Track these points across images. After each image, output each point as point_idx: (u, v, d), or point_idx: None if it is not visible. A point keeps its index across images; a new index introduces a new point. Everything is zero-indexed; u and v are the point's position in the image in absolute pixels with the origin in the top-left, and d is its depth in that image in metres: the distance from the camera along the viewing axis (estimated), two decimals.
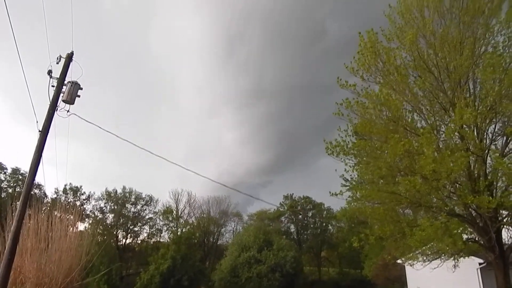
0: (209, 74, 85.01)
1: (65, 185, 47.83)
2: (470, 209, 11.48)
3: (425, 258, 14.19)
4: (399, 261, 19.08)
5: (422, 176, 10.56)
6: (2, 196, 41.33)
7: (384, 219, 13.34)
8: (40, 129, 10.00)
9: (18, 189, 42.10)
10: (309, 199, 56.71)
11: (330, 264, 57.85)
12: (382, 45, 12.64)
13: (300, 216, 57.24)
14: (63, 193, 47.59)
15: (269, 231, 43.17)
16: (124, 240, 51.16)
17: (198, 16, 78.89)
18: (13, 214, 10.75)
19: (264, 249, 38.13)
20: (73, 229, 15.72)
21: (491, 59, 10.31)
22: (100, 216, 49.15)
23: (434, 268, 14.62)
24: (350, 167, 13.17)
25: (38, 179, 43.99)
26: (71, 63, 10.94)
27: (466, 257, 14.09)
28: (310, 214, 57.10)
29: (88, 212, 48.29)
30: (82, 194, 49.50)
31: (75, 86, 10.83)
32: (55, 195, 46.23)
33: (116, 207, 50.26)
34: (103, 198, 50.40)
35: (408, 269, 25.14)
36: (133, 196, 51.71)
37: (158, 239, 52.10)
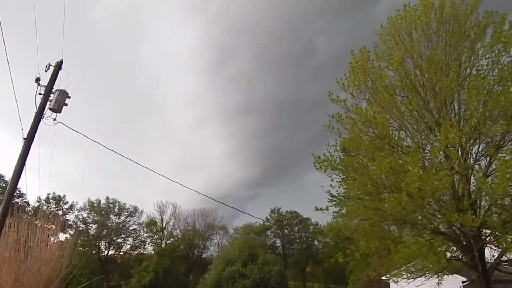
0: (199, 86, 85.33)
1: (48, 194, 46.87)
2: (454, 227, 11.63)
3: (409, 275, 14.24)
4: (384, 277, 19.09)
5: (407, 193, 10.68)
6: None
7: (370, 235, 13.41)
8: (25, 137, 9.84)
9: None
10: (296, 214, 56.63)
11: (315, 280, 57.55)
12: (372, 64, 12.93)
13: (286, 231, 57.02)
14: (46, 202, 46.57)
15: (255, 245, 42.85)
16: (106, 252, 50.10)
17: (190, 29, 79.50)
18: None
19: (249, 263, 37.76)
20: (54, 240, 15.33)
21: (475, 81, 10.61)
22: (82, 227, 48.13)
23: (419, 285, 14.68)
24: (337, 182, 13.30)
25: (21, 187, 43.03)
26: (60, 72, 10.86)
27: (450, 275, 14.20)
28: (296, 229, 56.95)
29: (70, 222, 47.26)
30: (65, 204, 48.52)
31: (63, 95, 10.73)
32: (37, 204, 45.21)
33: (99, 218, 49.33)
34: (86, 209, 49.48)
35: (392, 286, 25.15)
36: (116, 207, 50.88)
37: (142, 251, 51.20)
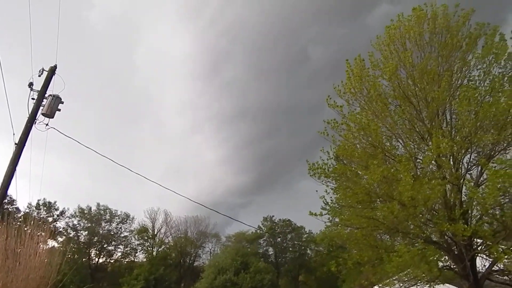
0: (193, 91, 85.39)
1: (38, 200, 46.28)
2: (446, 237, 11.67)
3: (401, 284, 14.22)
4: (376, 286, 19.04)
5: (400, 202, 10.73)
6: None
7: (362, 244, 13.42)
8: (17, 142, 9.74)
9: None
10: (289, 222, 56.45)
11: None
12: (367, 72, 13.06)
13: (279, 239, 56.79)
14: (36, 208, 45.96)
15: (247, 254, 42.60)
16: (96, 259, 49.45)
17: (185, 33, 79.79)
18: None
19: (241, 271, 37.50)
20: (43, 247, 15.11)
21: (466, 92, 10.74)
22: (72, 234, 47.50)
23: None
24: (332, 189, 13.34)
25: (11, 193, 42.43)
26: (53, 77, 10.81)
27: (442, 284, 14.20)
28: (289, 237, 56.75)
29: (60, 229, 46.64)
30: (56, 210, 47.92)
31: (56, 100, 10.66)
32: (27, 210, 44.59)
33: (90, 225, 48.74)
34: (77, 215, 48.88)
35: None
36: (108, 214, 50.34)
37: (133, 259, 50.62)
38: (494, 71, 11.29)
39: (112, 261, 51.30)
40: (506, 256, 10.03)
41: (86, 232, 48.66)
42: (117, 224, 51.07)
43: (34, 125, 10.22)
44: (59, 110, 10.74)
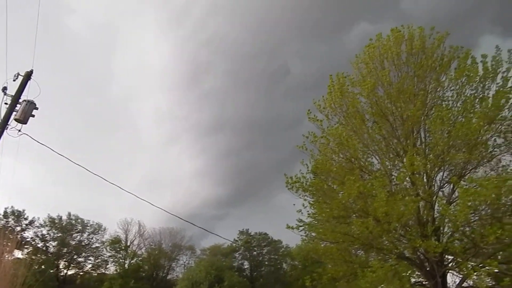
0: (172, 101, 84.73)
1: (6, 208, 44.31)
2: (418, 253, 11.85)
3: None
4: None
5: (374, 218, 10.86)
6: None
7: (337, 259, 13.50)
8: None
9: None
10: (266, 236, 56.04)
11: None
12: (347, 88, 13.31)
13: (255, 253, 56.30)
14: (4, 217, 44.00)
15: (222, 267, 41.96)
16: (65, 271, 47.56)
17: (165, 43, 79.54)
18: None
19: (215, 285, 36.84)
20: (9, 257, 14.46)
21: (440, 111, 11.11)
22: (41, 244, 45.62)
23: None
24: (309, 203, 13.38)
25: None
26: (29, 82, 10.49)
27: None
28: (265, 251, 56.32)
29: (28, 239, 44.73)
30: (25, 219, 46.00)
31: (30, 106, 10.32)
32: None
33: (60, 235, 46.98)
34: (46, 225, 47.04)
35: None
36: (79, 224, 48.71)
37: (103, 271, 48.94)
38: (466, 92, 11.72)
39: (81, 273, 49.46)
40: (475, 273, 10.27)
41: (55, 243, 46.85)
42: (89, 235, 49.43)
43: (6, 130, 9.86)
44: (33, 116, 10.39)
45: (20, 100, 10.28)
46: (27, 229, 45.60)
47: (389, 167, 12.72)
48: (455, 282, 12.70)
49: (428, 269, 11.78)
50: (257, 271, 55.82)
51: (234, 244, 53.05)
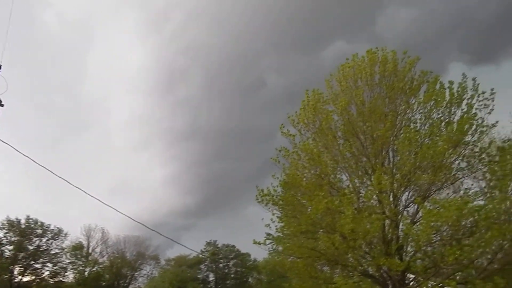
0: (146, 105, 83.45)
1: None
2: (381, 271, 12.01)
3: None
4: None
5: (341, 234, 10.96)
6: None
7: (303, 274, 13.48)
8: None
9: None
10: (233, 248, 55.48)
11: None
12: (322, 105, 13.52)
13: (221, 265, 55.54)
14: None
15: (186, 279, 41.14)
16: (20, 277, 45.07)
17: (143, 46, 78.73)
18: None
19: None
20: None
21: (408, 133, 11.48)
22: None
23: None
24: (277, 217, 13.37)
25: None
26: None
27: None
28: (232, 264, 55.68)
29: None
30: None
31: None
32: None
33: (17, 239, 44.60)
34: (4, 227, 44.60)
35: None
36: (38, 228, 46.44)
37: (61, 279, 46.74)
38: (434, 116, 12.16)
39: (38, 280, 47.01)
40: None
41: (12, 247, 44.41)
42: (48, 240, 47.18)
43: None
44: None
45: None
46: None
47: (357, 184, 12.94)
48: None
49: (390, 287, 11.95)
50: (222, 284, 55.00)
51: (200, 255, 52.15)
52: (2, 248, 44.10)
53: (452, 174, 12.01)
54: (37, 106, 77.05)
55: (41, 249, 46.38)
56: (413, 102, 12.76)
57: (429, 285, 10.67)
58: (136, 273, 52.50)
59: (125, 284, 50.65)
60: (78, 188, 12.14)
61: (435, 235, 10.87)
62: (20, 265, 44.85)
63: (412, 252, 11.93)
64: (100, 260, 48.56)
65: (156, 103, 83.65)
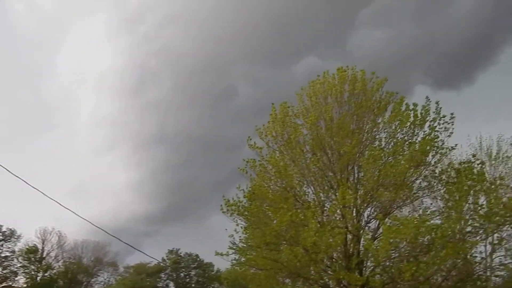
0: (113, 107, 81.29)
1: None
2: (341, 285, 12.19)
3: None
4: None
5: (303, 247, 11.06)
6: None
7: (265, 286, 13.45)
8: None
9: None
10: (196, 257, 54.63)
11: None
12: (290, 118, 13.69)
13: (183, 274, 54.49)
14: None
15: (145, 287, 39.92)
16: None
17: (114, 46, 77.09)
18: None
19: None
20: None
21: (373, 151, 11.84)
22: None
23: None
24: (242, 228, 13.33)
25: None
26: None
27: None
28: (193, 273, 54.75)
29: None
30: None
31: None
32: None
33: None
34: None
35: None
36: None
37: (11, 284, 44.17)
38: (398, 136, 12.61)
39: None
40: None
41: None
42: None
43: None
44: None
45: None
46: None
47: (322, 198, 13.15)
48: None
49: None
50: None
51: (161, 264, 50.94)
52: None
53: (413, 193, 12.48)
54: None
55: None
56: (379, 121, 13.19)
57: None
58: (93, 279, 50.59)
59: None
60: (35, 188, 11.64)
61: (393, 251, 11.20)
62: None
63: (372, 267, 12.20)
64: (55, 265, 46.39)
65: (125, 105, 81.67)
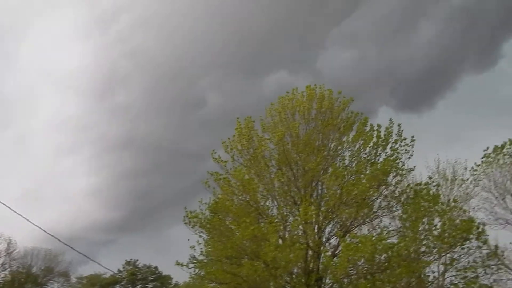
0: (77, 107, 78.17)
1: None
2: None
3: None
4: None
5: (264, 262, 11.03)
6: None
7: None
8: None
9: None
10: (155, 269, 53.00)
11: None
12: (256, 133, 13.75)
13: (139, 287, 52.67)
14: None
15: None
16: None
17: (84, 45, 74.82)
18: None
19: None
20: None
21: (336, 169, 12.10)
22: None
23: None
24: (204, 240, 13.15)
25: None
26: None
27: None
28: (151, 286, 53.03)
29: None
30: None
31: None
32: None
33: None
34: None
35: None
36: None
37: None
38: (361, 155, 12.98)
39: None
40: None
41: None
42: None
43: None
44: None
45: None
46: None
47: (285, 213, 13.21)
48: None
49: None
50: None
51: (117, 275, 49.04)
52: None
53: (373, 211, 12.82)
54: None
55: None
56: (344, 139, 13.51)
57: None
58: None
59: None
60: None
61: (352, 268, 11.38)
62: None
63: (330, 284, 12.32)
64: (2, 274, 43.50)
65: (90, 107, 78.60)
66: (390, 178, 12.67)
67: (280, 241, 11.96)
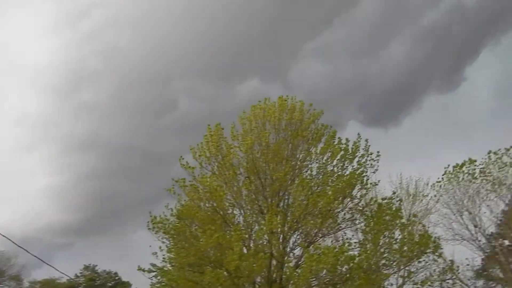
0: (39, 104, 74.90)
1: None
2: None
3: None
4: None
5: (227, 270, 10.94)
6: None
7: None
8: None
9: None
10: (115, 275, 51.28)
11: None
12: (225, 141, 13.71)
13: None
14: None
15: None
16: None
17: (53, 40, 72.06)
18: None
19: None
20: None
21: (302, 180, 12.26)
22: None
23: None
24: (167, 246, 12.89)
25: None
26: None
27: None
28: None
29: None
30: None
31: None
32: None
33: None
34: None
35: None
36: None
37: None
38: (328, 167, 13.20)
39: None
40: None
41: None
42: None
43: None
44: None
45: None
46: None
47: (251, 222, 13.19)
48: None
49: None
50: None
51: (74, 280, 47.05)
52: None
53: (337, 223, 13.04)
54: None
55: None
56: (312, 151, 13.70)
57: None
58: None
59: None
60: None
61: (314, 279, 11.47)
62: None
63: None
64: None
65: (53, 104, 75.42)
66: (355, 191, 12.96)
67: (245, 250, 11.88)
